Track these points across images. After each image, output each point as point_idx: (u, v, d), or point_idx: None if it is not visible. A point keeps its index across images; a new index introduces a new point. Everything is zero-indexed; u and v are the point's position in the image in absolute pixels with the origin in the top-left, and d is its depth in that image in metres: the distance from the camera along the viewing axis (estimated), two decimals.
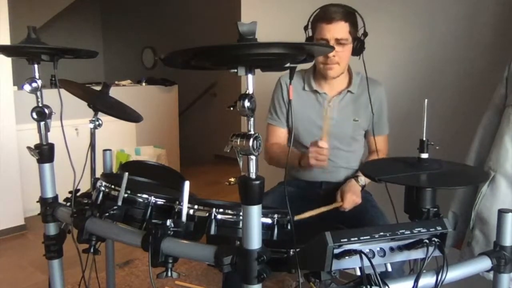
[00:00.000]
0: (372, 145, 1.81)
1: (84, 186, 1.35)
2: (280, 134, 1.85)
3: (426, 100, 1.13)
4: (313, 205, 1.76)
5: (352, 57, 1.74)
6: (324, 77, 1.74)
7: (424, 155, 1.16)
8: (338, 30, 1.61)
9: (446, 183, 1.15)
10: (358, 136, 1.80)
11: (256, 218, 0.89)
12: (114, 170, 1.55)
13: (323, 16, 1.63)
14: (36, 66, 1.30)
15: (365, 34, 1.71)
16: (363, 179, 1.70)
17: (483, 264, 1.06)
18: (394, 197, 1.37)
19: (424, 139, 1.14)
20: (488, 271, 1.08)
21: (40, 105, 1.32)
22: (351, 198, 1.63)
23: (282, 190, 1.73)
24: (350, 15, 1.64)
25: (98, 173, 1.38)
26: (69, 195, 1.31)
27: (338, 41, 1.62)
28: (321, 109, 1.76)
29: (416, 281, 0.95)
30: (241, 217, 0.94)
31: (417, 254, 0.96)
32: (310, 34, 1.71)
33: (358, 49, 1.68)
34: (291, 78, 1.02)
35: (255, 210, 0.88)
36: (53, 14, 5.83)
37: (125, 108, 1.63)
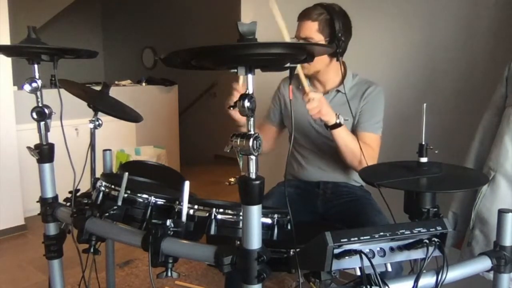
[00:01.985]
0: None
1: (84, 186, 1.35)
2: (267, 130, 1.90)
3: (425, 104, 1.13)
4: (312, 205, 1.77)
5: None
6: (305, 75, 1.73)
7: (423, 159, 1.16)
8: (303, 28, 1.65)
9: (446, 187, 1.15)
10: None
11: (256, 218, 0.89)
12: (114, 170, 1.55)
13: (299, 14, 1.68)
14: (36, 66, 1.30)
15: (345, 36, 1.64)
16: (342, 120, 1.57)
17: (483, 264, 1.06)
18: (393, 196, 1.37)
19: (423, 143, 1.14)
20: (488, 271, 1.08)
21: (40, 105, 1.32)
22: (318, 104, 1.49)
23: (281, 191, 1.73)
24: (323, 15, 1.63)
25: (98, 173, 1.38)
26: (69, 195, 1.31)
27: (305, 40, 1.64)
28: None
29: (416, 281, 0.95)
30: (241, 217, 0.94)
31: (417, 254, 0.96)
32: None
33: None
34: (290, 78, 1.02)
35: (255, 210, 0.88)
36: (53, 14, 5.83)
37: (125, 108, 1.63)
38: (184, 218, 1.04)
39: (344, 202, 1.74)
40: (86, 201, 1.25)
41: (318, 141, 1.77)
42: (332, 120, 1.54)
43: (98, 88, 1.61)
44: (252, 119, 0.88)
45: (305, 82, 1.57)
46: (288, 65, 0.93)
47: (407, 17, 2.16)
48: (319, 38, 1.64)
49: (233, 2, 3.32)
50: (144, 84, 4.99)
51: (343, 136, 1.59)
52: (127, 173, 1.14)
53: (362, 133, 1.68)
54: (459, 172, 1.30)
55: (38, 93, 1.31)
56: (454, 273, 1.01)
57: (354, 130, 1.72)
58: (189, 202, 1.05)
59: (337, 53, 1.66)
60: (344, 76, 1.74)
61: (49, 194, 1.37)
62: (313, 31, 1.64)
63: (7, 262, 2.91)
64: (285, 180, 1.84)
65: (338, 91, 1.74)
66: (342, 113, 1.68)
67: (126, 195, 1.14)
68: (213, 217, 1.03)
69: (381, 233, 0.92)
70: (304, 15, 1.66)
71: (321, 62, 1.68)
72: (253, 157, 0.87)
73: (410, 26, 2.16)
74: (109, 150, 1.63)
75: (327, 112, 1.52)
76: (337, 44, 1.64)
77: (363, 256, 0.89)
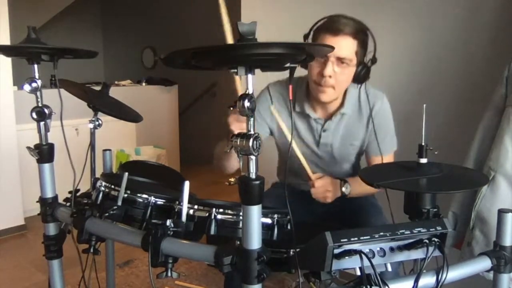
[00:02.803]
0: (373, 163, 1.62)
1: (84, 186, 1.35)
2: None
3: (424, 105, 1.13)
4: (310, 208, 1.70)
5: None
6: (316, 100, 1.52)
7: (423, 160, 1.15)
8: (343, 46, 1.37)
9: (446, 187, 1.15)
10: (355, 159, 1.67)
11: (256, 218, 0.89)
12: (114, 170, 1.55)
13: (329, 26, 1.40)
14: (36, 66, 1.30)
15: (374, 60, 1.46)
16: (348, 189, 1.51)
17: (483, 264, 1.06)
18: (393, 197, 1.37)
19: (423, 144, 1.14)
20: (488, 271, 1.08)
21: (40, 105, 1.32)
22: (323, 190, 1.46)
23: (277, 192, 1.65)
24: (360, 33, 1.41)
25: (98, 173, 1.38)
26: (69, 195, 1.31)
27: (341, 60, 1.39)
28: (314, 134, 1.60)
29: (416, 281, 0.95)
30: (241, 217, 0.94)
31: (417, 254, 0.96)
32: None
33: (361, 76, 1.45)
34: (291, 78, 1.02)
35: (255, 210, 0.88)
36: (53, 14, 5.82)
37: (125, 108, 1.63)
38: (184, 218, 1.04)
39: (342, 202, 1.73)
40: (86, 201, 1.25)
41: (319, 154, 1.65)
42: (338, 196, 1.51)
43: (98, 88, 1.61)
44: (252, 119, 0.88)
45: (308, 167, 1.43)
46: (288, 65, 0.93)
47: (407, 18, 2.16)
48: (354, 61, 1.41)
49: (233, 2, 3.32)
50: (144, 84, 4.99)
51: (354, 194, 1.54)
52: (127, 173, 1.14)
53: (378, 157, 1.56)
54: (459, 172, 1.30)
55: (38, 93, 1.31)
56: (454, 273, 1.01)
57: (367, 151, 1.62)
58: (189, 202, 1.05)
59: (364, 80, 1.48)
60: (345, 95, 1.55)
61: (49, 194, 1.37)
62: (353, 51, 1.39)
63: (7, 262, 2.91)
64: (285, 180, 1.83)
65: (342, 114, 1.56)
66: (349, 136, 1.59)
67: (126, 195, 1.14)
68: (213, 217, 1.03)
69: (381, 233, 0.92)
70: (343, 29, 1.37)
71: (344, 87, 1.49)
72: (253, 157, 0.87)
73: (410, 26, 2.16)
74: (109, 150, 1.63)
75: (333, 195, 1.48)
76: (368, 68, 1.45)
77: (363, 256, 0.89)
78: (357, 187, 1.52)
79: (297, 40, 0.90)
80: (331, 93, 1.45)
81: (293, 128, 1.57)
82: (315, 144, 1.61)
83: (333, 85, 1.43)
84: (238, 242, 0.94)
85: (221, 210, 1.04)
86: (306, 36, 1.50)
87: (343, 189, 1.51)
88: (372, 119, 1.53)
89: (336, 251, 0.89)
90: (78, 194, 1.32)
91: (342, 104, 1.55)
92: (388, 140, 1.60)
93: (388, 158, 1.59)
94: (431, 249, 0.94)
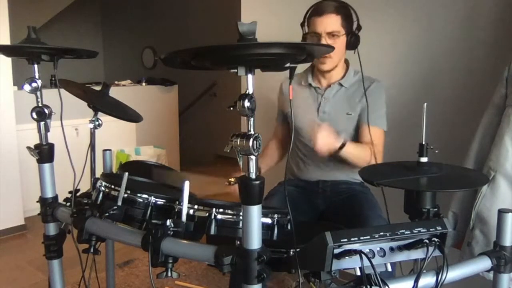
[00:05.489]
0: (363, 136, 1.72)
1: (84, 186, 1.35)
2: (278, 128, 1.97)
3: (425, 104, 1.13)
4: (313, 203, 1.79)
5: (351, 58, 1.76)
6: (320, 71, 1.76)
7: (424, 159, 1.16)
8: (329, 22, 1.63)
9: (446, 187, 1.15)
10: (353, 131, 1.77)
11: (256, 218, 0.89)
12: (114, 170, 1.55)
13: (315, 10, 1.67)
14: (36, 66, 1.30)
15: (359, 27, 1.71)
16: (341, 140, 1.58)
17: (483, 264, 1.06)
18: (393, 197, 1.37)
19: (423, 143, 1.15)
20: (488, 271, 1.08)
21: (40, 105, 1.32)
22: (324, 137, 1.53)
23: (283, 190, 1.74)
24: (342, 8, 1.66)
25: (98, 173, 1.38)
26: (69, 195, 1.31)
27: (330, 34, 1.64)
28: (314, 102, 1.78)
29: (416, 281, 0.95)
30: (241, 217, 0.94)
31: (417, 254, 0.96)
32: (306, 30, 1.73)
33: (352, 43, 1.69)
34: (291, 78, 1.02)
35: (255, 210, 0.88)
36: (53, 14, 5.83)
37: (125, 108, 1.63)
38: (184, 218, 1.04)
39: (343, 198, 1.77)
40: (86, 201, 1.25)
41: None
42: (338, 143, 1.56)
43: (98, 88, 1.61)
44: (252, 119, 0.88)
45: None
46: (288, 65, 0.93)
47: (407, 18, 2.16)
48: (342, 32, 1.66)
49: (233, 2, 3.32)
50: (144, 84, 5.00)
51: (351, 151, 1.61)
52: (127, 173, 1.14)
53: (366, 127, 1.70)
54: (459, 172, 1.30)
55: (38, 93, 1.31)
56: (454, 273, 1.02)
57: (358, 125, 1.75)
58: (189, 202, 1.05)
59: (356, 46, 1.70)
60: (347, 69, 1.79)
61: (49, 194, 1.37)
62: (338, 25, 1.65)
63: (7, 262, 2.91)
64: (285, 179, 1.85)
65: (340, 84, 1.76)
66: (346, 106, 1.75)
67: (126, 195, 1.14)
68: (213, 217, 1.03)
69: (381, 233, 0.92)
70: (326, 9, 1.64)
71: (340, 55, 1.71)
72: (253, 157, 0.87)
73: (410, 26, 2.15)
74: (109, 150, 1.63)
75: (332, 142, 1.55)
76: (356, 35, 1.69)
77: (363, 256, 0.89)
78: (352, 147, 1.61)
79: (297, 40, 0.90)
80: (330, 62, 1.70)
81: (292, 122, 1.77)
82: (315, 111, 1.78)
83: (330, 55, 1.67)
84: (238, 242, 0.94)
85: (221, 210, 1.04)
86: (302, 24, 1.74)
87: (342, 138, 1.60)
88: (366, 93, 1.71)
89: (336, 251, 0.89)
90: (78, 194, 1.32)
91: (342, 77, 1.77)
92: (376, 116, 1.72)
93: (372, 131, 1.69)
94: (431, 249, 0.94)
